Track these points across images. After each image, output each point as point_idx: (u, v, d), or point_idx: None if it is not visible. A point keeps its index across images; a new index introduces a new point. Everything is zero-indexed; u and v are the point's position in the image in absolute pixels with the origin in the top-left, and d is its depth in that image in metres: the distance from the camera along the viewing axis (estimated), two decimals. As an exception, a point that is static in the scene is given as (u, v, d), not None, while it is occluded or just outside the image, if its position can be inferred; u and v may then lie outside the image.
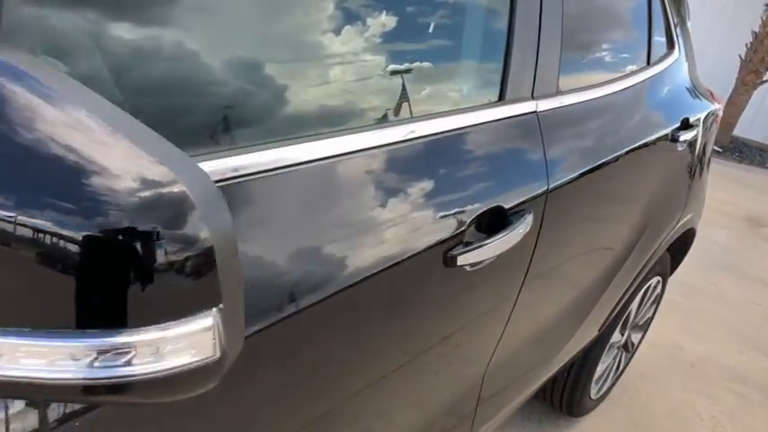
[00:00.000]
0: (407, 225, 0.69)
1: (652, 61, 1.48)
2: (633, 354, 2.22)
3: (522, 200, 0.89)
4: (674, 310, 3.03)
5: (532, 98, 0.96)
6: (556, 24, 0.98)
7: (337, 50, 0.66)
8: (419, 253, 0.71)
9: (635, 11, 1.47)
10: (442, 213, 0.75)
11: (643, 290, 1.84)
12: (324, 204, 0.62)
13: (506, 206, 0.85)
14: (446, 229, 0.75)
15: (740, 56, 7.41)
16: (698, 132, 1.64)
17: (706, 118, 1.77)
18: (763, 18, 7.20)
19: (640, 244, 1.56)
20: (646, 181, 1.46)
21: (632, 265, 1.59)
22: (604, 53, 1.28)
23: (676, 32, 1.64)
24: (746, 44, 7.34)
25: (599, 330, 1.64)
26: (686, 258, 3.80)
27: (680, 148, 1.55)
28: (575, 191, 1.07)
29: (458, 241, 0.77)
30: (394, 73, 0.73)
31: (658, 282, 2.01)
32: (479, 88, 0.90)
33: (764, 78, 7.33)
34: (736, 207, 5.25)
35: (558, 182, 0.99)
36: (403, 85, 0.75)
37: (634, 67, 1.42)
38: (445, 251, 0.75)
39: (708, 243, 4.15)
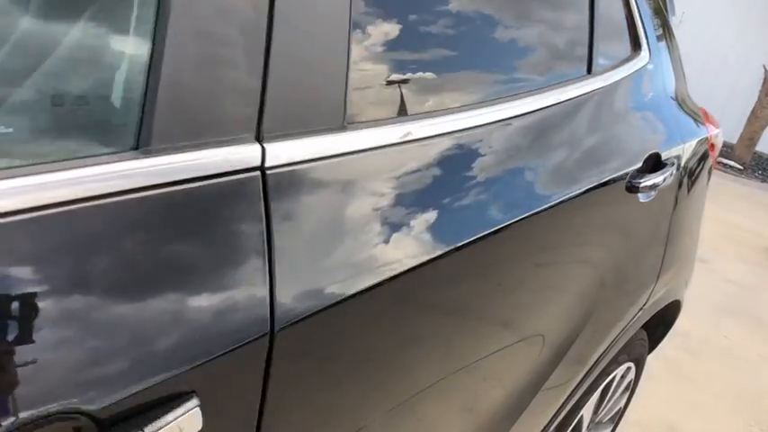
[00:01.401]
0: None
1: (597, 69, 0.98)
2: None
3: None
4: (672, 373, 2.49)
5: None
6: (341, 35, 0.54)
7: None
8: None
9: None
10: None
11: (603, 385, 1.33)
12: None
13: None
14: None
15: (765, 66, 6.80)
16: (675, 173, 1.14)
17: (695, 150, 1.26)
18: (790, 25, 6.59)
19: (585, 335, 1.06)
20: (582, 252, 0.97)
21: (575, 360, 1.09)
22: (464, 56, 0.76)
23: (644, 28, 1.13)
24: (771, 54, 6.74)
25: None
26: (693, 301, 3.27)
27: (644, 199, 1.05)
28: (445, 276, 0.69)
29: None
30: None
31: (629, 368, 1.49)
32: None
33: (790, 91, 6.71)
34: (756, 236, 4.66)
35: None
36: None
37: (554, 79, 0.92)
38: None
39: (720, 281, 3.59)
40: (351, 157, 0.56)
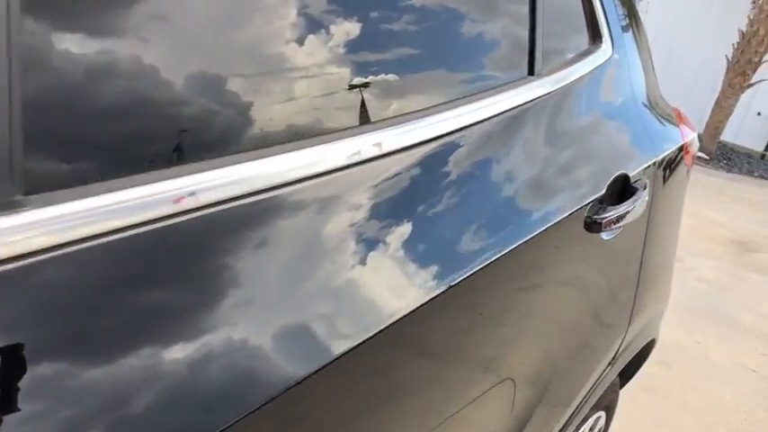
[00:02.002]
0: None
1: (542, 69, 0.76)
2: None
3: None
4: (646, 390, 2.32)
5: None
6: None
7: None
8: None
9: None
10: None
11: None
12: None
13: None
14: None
15: (727, 57, 6.76)
16: (647, 198, 0.95)
17: (669, 162, 1.07)
18: (751, 17, 6.55)
19: (541, 413, 0.86)
20: (530, 311, 0.76)
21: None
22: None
23: (606, 16, 0.92)
24: (733, 44, 6.69)
25: None
26: (671, 294, 3.09)
27: (609, 237, 0.85)
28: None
29: None
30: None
31: (599, 418, 1.29)
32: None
33: (752, 81, 6.68)
34: (724, 228, 4.57)
35: None
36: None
37: (481, 87, 0.68)
38: None
39: (693, 280, 3.46)
40: None
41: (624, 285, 1.00)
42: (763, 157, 7.51)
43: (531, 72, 0.74)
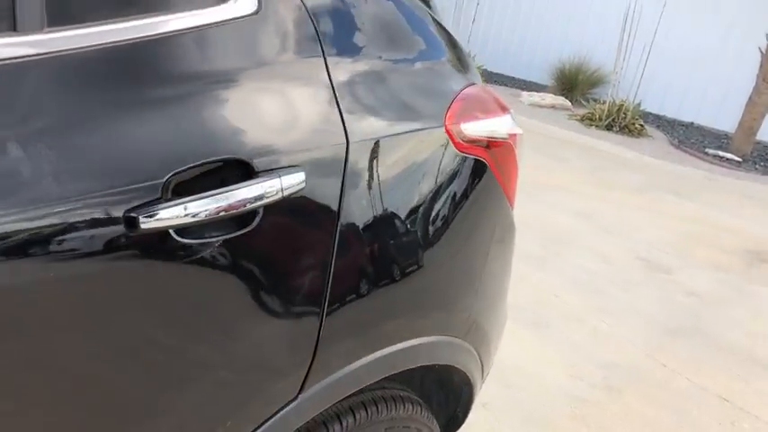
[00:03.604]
0: None
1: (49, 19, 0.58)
2: None
3: None
4: (575, 419, 2.04)
5: None
6: None
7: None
8: None
9: None
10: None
11: None
12: None
13: None
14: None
15: (760, 49, 6.21)
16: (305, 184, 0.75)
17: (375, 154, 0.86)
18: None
19: None
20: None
21: None
22: None
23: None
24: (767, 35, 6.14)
25: None
26: (634, 323, 2.83)
27: (187, 258, 0.66)
28: None
29: None
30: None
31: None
32: None
33: (791, 73, 6.09)
34: (740, 236, 4.13)
35: None
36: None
37: None
38: None
39: (679, 294, 3.11)
40: None
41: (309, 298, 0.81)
42: (808, 157, 6.84)
43: (14, 28, 0.57)
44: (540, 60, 8.62)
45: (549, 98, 7.48)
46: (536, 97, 7.47)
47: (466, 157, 1.02)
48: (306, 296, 0.81)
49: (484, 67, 8.40)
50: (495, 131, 1.06)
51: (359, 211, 0.85)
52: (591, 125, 6.70)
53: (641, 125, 6.70)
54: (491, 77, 8.69)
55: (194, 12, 0.71)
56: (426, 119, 0.95)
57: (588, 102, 7.24)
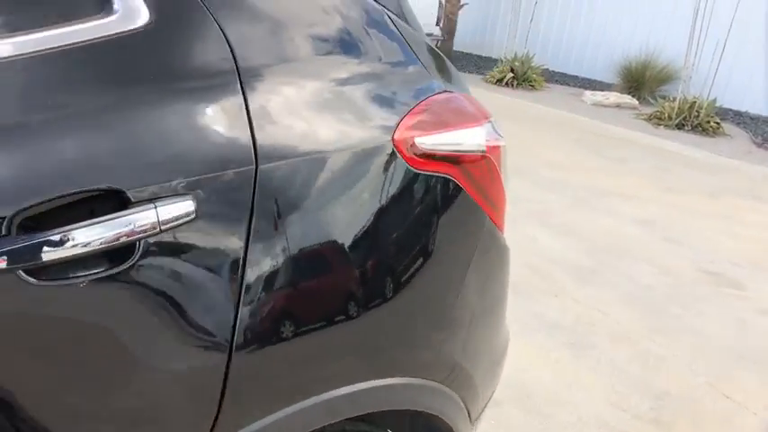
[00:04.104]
0: None
1: None
2: None
3: None
4: (617, 459, 1.76)
5: None
6: None
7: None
8: None
9: None
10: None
11: None
12: None
13: None
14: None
15: None
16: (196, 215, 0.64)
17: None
18: None
19: None
20: None
21: None
22: None
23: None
24: None
25: None
26: (695, 345, 2.51)
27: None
28: None
29: None
30: None
31: None
32: None
33: None
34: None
35: None
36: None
37: None
38: None
39: (750, 313, 2.72)
40: None
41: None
42: None
43: None
44: (605, 58, 8.18)
45: (614, 97, 7.04)
46: (599, 96, 7.05)
47: (425, 175, 0.85)
48: (205, 341, 0.69)
49: (545, 67, 8.07)
50: (464, 144, 0.89)
51: (275, 243, 0.71)
52: (659, 124, 6.22)
53: (717, 123, 6.14)
54: (552, 77, 8.33)
55: (60, 29, 0.61)
56: (370, 133, 0.80)
57: (656, 100, 6.74)
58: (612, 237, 3.41)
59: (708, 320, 2.62)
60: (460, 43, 9.90)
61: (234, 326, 0.69)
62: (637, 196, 4.14)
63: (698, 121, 6.09)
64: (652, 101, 6.87)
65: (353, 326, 0.81)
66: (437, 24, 8.24)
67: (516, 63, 7.72)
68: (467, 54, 10.02)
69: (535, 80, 7.65)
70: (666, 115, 6.25)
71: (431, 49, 0.98)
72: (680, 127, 6.12)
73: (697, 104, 6.16)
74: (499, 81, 7.69)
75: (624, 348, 2.34)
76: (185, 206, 0.63)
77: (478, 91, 7.59)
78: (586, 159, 4.94)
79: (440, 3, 8.24)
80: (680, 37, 6.67)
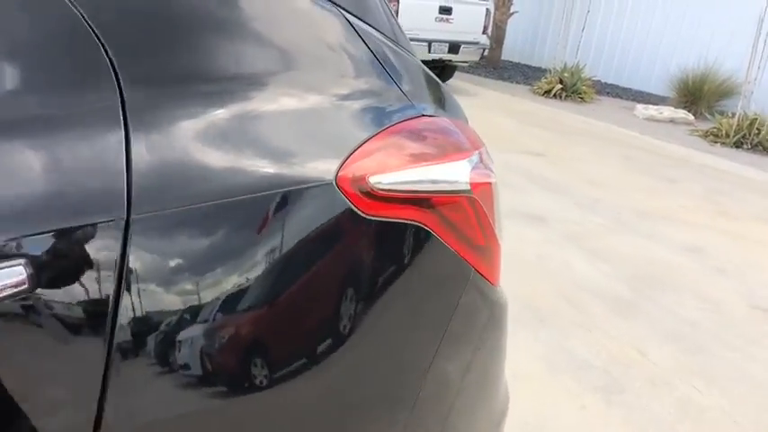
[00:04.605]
0: None
1: None
2: None
3: None
4: None
5: None
6: None
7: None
8: None
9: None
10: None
11: None
12: None
13: None
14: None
15: None
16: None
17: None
18: None
19: None
20: None
21: None
22: None
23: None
24: None
25: None
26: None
27: None
28: None
29: None
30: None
31: None
32: None
33: None
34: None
35: None
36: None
37: None
38: None
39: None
40: None
41: None
42: None
43: None
44: (660, 70, 7.82)
45: (668, 111, 6.69)
46: (652, 110, 6.72)
47: (380, 222, 0.68)
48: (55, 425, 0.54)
49: (596, 78, 7.79)
50: (441, 182, 0.73)
51: (153, 314, 0.56)
52: (715, 142, 5.86)
53: (780, 142, 5.75)
54: (603, 89, 8.03)
55: None
56: (301, 171, 0.64)
57: (714, 115, 6.36)
58: (656, 265, 3.17)
59: (761, 366, 2.37)
60: (509, 52, 9.70)
61: (93, 416, 0.53)
62: (686, 220, 3.86)
63: (758, 139, 5.71)
64: (709, 116, 6.50)
65: (273, 405, 0.64)
66: (483, 32, 8.02)
67: (565, 74, 7.47)
68: (515, 64, 9.81)
69: (585, 92, 7.37)
70: (724, 132, 5.89)
71: (418, 69, 0.84)
72: (738, 145, 5.75)
73: (758, 122, 5.78)
74: (547, 92, 7.45)
75: (662, 395, 2.13)
76: (11, 274, 0.48)
77: (524, 102, 7.40)
78: (634, 178, 4.68)
79: (486, 10, 8.03)
80: (742, 49, 6.29)
